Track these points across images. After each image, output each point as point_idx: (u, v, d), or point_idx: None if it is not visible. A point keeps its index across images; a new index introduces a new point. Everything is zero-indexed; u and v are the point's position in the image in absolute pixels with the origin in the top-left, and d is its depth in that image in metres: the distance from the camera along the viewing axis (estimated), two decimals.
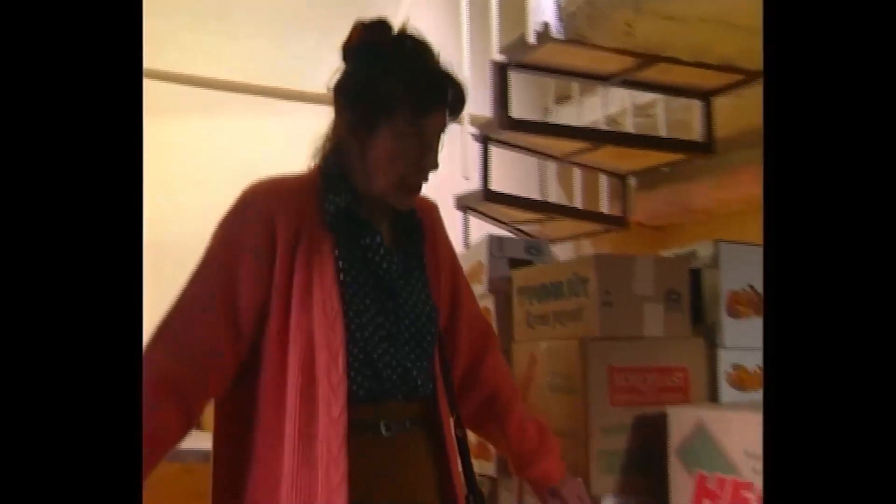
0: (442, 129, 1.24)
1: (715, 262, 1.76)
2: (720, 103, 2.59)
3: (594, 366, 1.62)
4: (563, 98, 3.54)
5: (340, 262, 1.22)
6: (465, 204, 2.86)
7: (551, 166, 3.44)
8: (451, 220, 2.38)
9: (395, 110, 1.19)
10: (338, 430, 1.15)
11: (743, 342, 1.75)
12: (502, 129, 2.55)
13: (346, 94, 1.23)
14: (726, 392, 1.74)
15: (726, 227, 2.79)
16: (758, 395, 1.73)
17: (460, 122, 2.74)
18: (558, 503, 1.40)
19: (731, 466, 1.44)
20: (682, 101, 2.72)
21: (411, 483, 1.26)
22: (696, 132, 2.68)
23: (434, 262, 1.36)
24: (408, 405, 1.26)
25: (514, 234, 3.00)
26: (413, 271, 1.31)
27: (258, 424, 1.20)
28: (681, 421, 1.57)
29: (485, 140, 2.71)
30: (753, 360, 1.76)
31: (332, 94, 1.26)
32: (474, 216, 2.96)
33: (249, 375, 1.21)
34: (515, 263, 2.03)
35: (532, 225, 3.05)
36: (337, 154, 1.26)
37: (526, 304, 1.88)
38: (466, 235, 2.89)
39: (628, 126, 2.87)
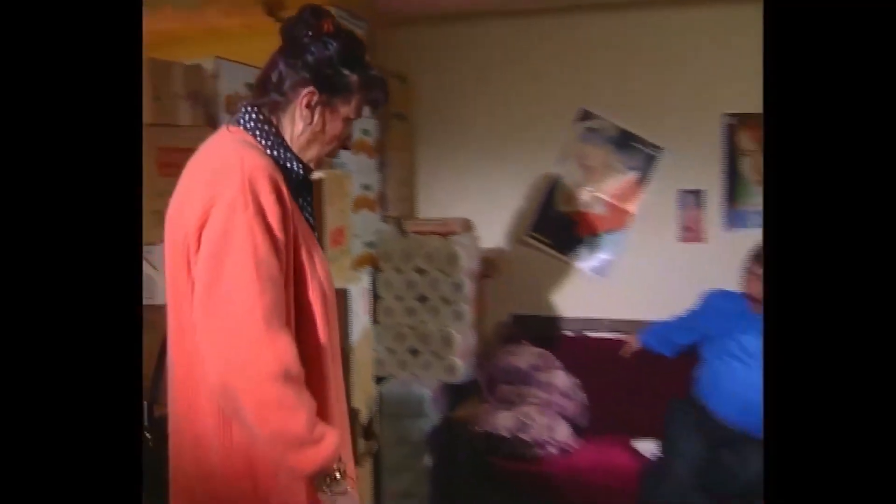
0: None
1: (216, 72, 2.45)
2: None
3: (149, 147, 2.17)
4: None
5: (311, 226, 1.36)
6: None
7: None
8: None
9: (351, 97, 1.41)
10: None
11: None
12: None
13: (319, 73, 1.37)
14: None
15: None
16: None
17: None
18: None
19: None
20: None
21: None
22: None
23: None
24: None
25: None
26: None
27: None
28: None
29: None
30: None
31: (294, 59, 1.37)
32: None
33: None
34: None
35: None
36: (274, 119, 1.39)
37: None
38: None
39: None
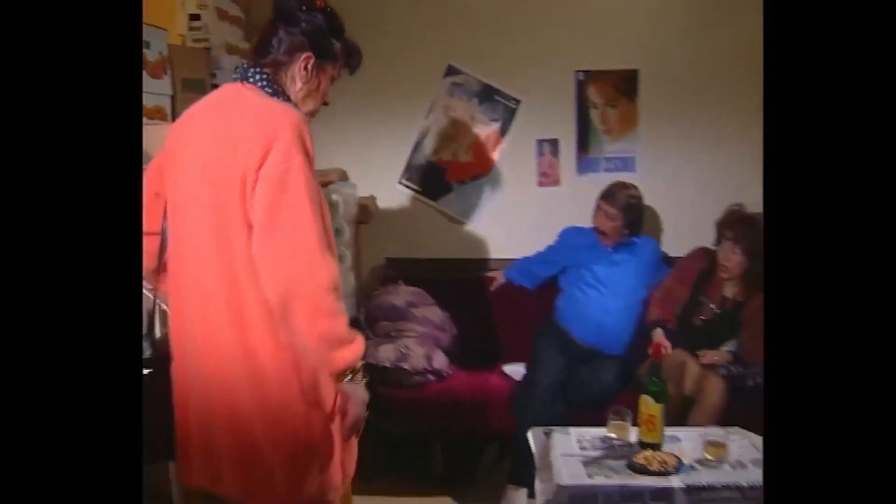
0: None
1: None
2: None
3: None
4: None
5: None
6: None
7: None
8: None
9: (337, 62, 1.74)
10: None
11: None
12: None
13: (318, 36, 1.68)
14: None
15: None
16: None
17: None
18: None
19: None
20: None
21: None
22: None
23: None
24: None
25: None
26: None
27: None
28: None
29: None
30: None
31: (292, 30, 1.66)
32: None
33: None
34: None
35: None
36: (277, 79, 1.67)
37: None
38: None
39: None
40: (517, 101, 3.67)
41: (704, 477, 2.09)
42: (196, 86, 2.96)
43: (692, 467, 2.14)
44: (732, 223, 3.09)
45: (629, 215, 3.22)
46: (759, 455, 2.20)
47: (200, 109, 1.70)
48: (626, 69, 3.60)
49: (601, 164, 3.68)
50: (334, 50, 1.72)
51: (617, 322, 3.19)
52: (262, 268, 1.51)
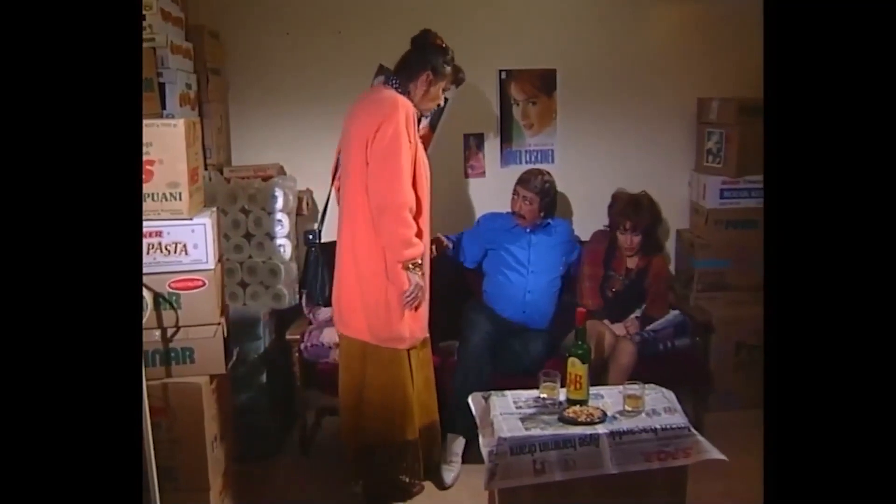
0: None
1: None
2: None
3: None
4: None
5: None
6: None
7: None
8: None
9: (446, 78, 2.91)
10: None
11: None
12: None
13: (436, 62, 2.85)
14: None
15: None
16: None
17: None
18: None
19: None
20: None
21: None
22: None
23: None
24: None
25: None
26: None
27: None
28: None
29: None
30: None
31: (421, 56, 2.84)
32: None
33: None
34: None
35: None
36: (406, 85, 2.82)
37: None
38: None
39: None
40: (446, 99, 3.93)
41: (625, 424, 2.40)
42: (145, 85, 3.08)
43: (615, 417, 2.46)
44: (624, 209, 3.49)
45: (544, 198, 3.52)
46: (669, 404, 2.54)
47: (361, 98, 2.85)
48: (545, 68, 3.93)
49: (522, 156, 4.00)
50: (445, 71, 2.90)
51: (540, 299, 3.50)
52: (372, 189, 2.65)
